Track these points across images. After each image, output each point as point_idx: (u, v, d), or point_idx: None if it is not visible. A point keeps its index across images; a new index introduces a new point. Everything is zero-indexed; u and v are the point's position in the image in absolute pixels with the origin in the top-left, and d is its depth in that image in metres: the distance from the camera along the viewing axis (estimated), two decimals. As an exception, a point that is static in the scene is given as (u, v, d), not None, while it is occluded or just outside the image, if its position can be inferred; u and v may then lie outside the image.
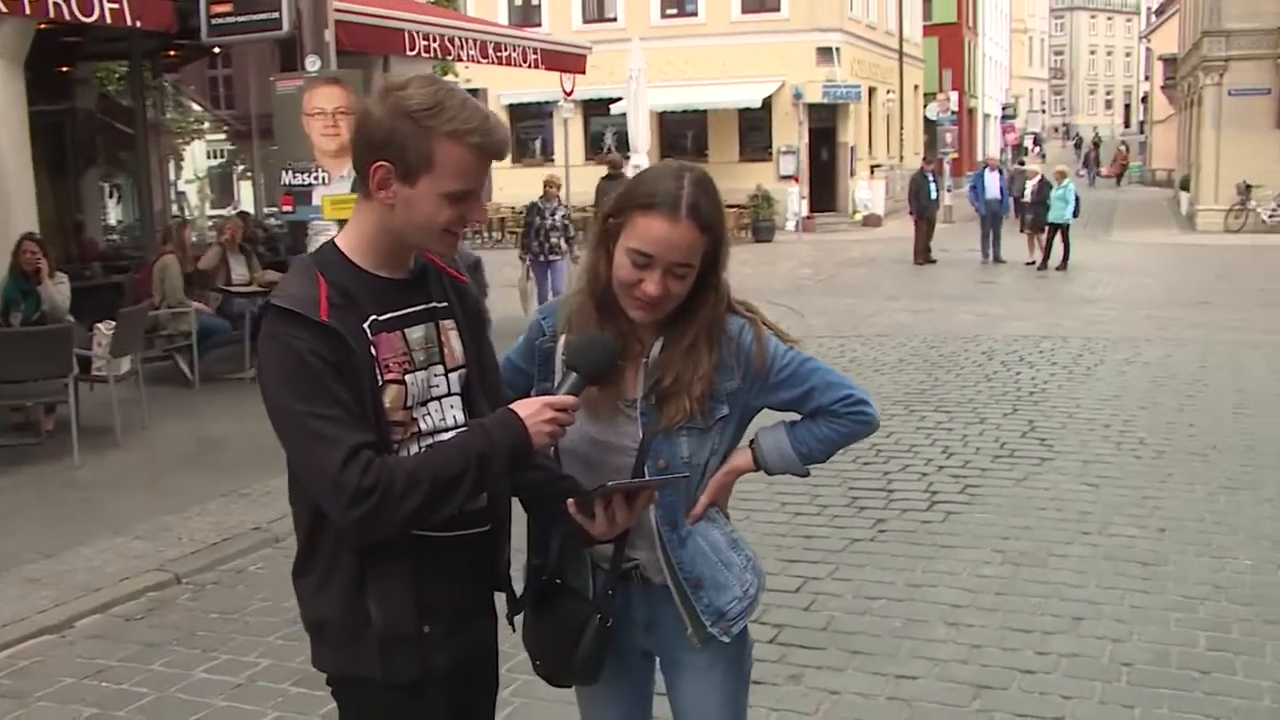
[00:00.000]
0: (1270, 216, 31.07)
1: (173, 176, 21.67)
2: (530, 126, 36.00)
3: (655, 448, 2.46)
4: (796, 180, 32.67)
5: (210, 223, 20.79)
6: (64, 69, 15.73)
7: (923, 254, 24.46)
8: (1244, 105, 31.66)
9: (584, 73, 17.19)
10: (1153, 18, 63.60)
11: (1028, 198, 24.16)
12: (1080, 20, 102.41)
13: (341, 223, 2.45)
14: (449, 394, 2.40)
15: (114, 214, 19.75)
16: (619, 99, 29.03)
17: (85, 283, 12.72)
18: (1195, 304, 17.81)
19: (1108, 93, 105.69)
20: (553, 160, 29.03)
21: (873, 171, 36.82)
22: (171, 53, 15.43)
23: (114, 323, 9.43)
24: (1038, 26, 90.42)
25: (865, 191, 35.43)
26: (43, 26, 10.07)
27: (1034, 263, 23.33)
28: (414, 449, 2.29)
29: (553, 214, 15.73)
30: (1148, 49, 61.46)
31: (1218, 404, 10.63)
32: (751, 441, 2.60)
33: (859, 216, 34.79)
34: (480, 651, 2.48)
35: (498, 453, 2.23)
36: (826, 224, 33.68)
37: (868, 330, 15.54)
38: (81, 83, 16.63)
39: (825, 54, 33.45)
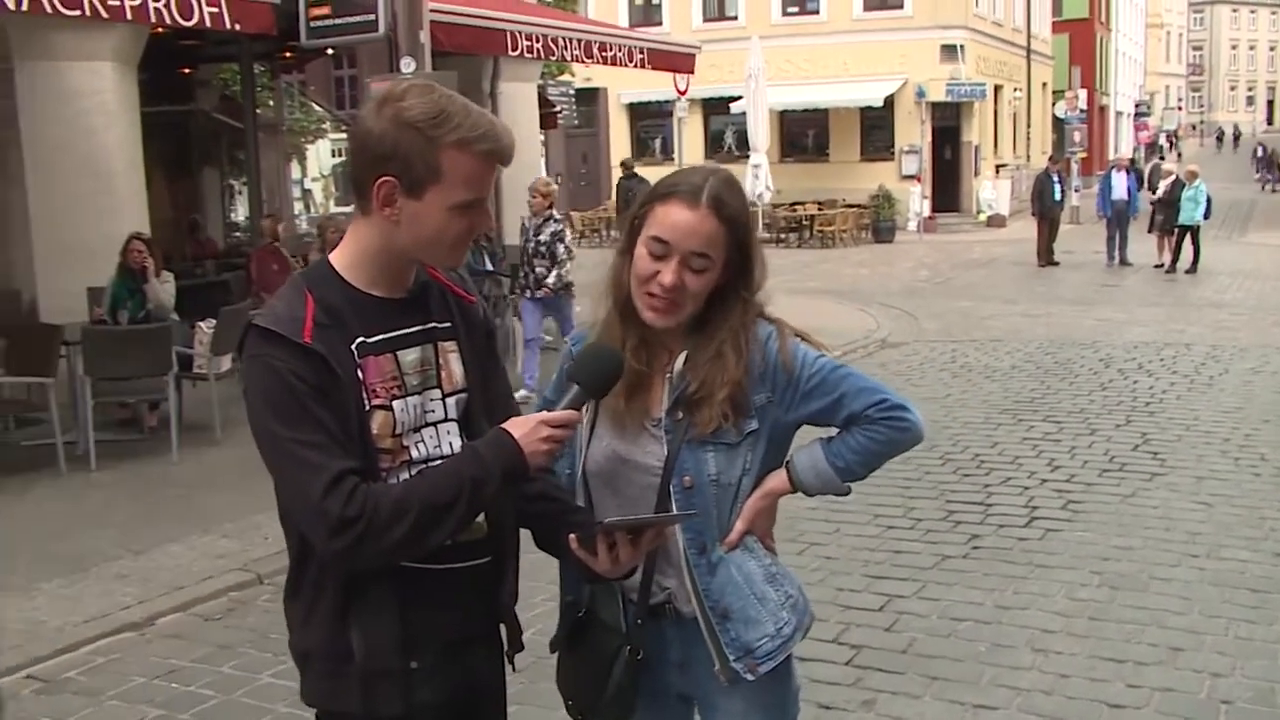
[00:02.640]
0: None
1: (297, 175, 22.11)
2: (650, 126, 35.98)
3: (681, 464, 2.36)
4: (919, 180, 32.05)
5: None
6: (186, 71, 16.13)
7: (1046, 256, 23.82)
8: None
9: (693, 72, 17.06)
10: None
11: (1158, 196, 23.28)
12: (1221, 14, 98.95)
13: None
14: (445, 419, 2.29)
15: (239, 212, 20.23)
16: (739, 98, 28.93)
17: (197, 280, 12.99)
18: None
19: (1249, 88, 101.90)
20: (672, 159, 28.98)
21: (998, 171, 35.96)
22: (287, 54, 15.70)
23: (215, 321, 9.57)
24: (1175, 21, 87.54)
25: (989, 191, 34.61)
26: (159, 31, 10.26)
27: (1162, 265, 22.55)
28: (404, 477, 2.18)
29: (537, 233, 10.53)
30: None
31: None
32: (787, 461, 2.48)
33: (983, 217, 34.03)
34: (479, 683, 2.36)
35: (491, 476, 2.12)
36: (949, 224, 32.99)
37: (981, 335, 15.13)
38: (202, 84, 17.07)
39: (949, 51, 32.78)
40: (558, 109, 21.33)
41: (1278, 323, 15.68)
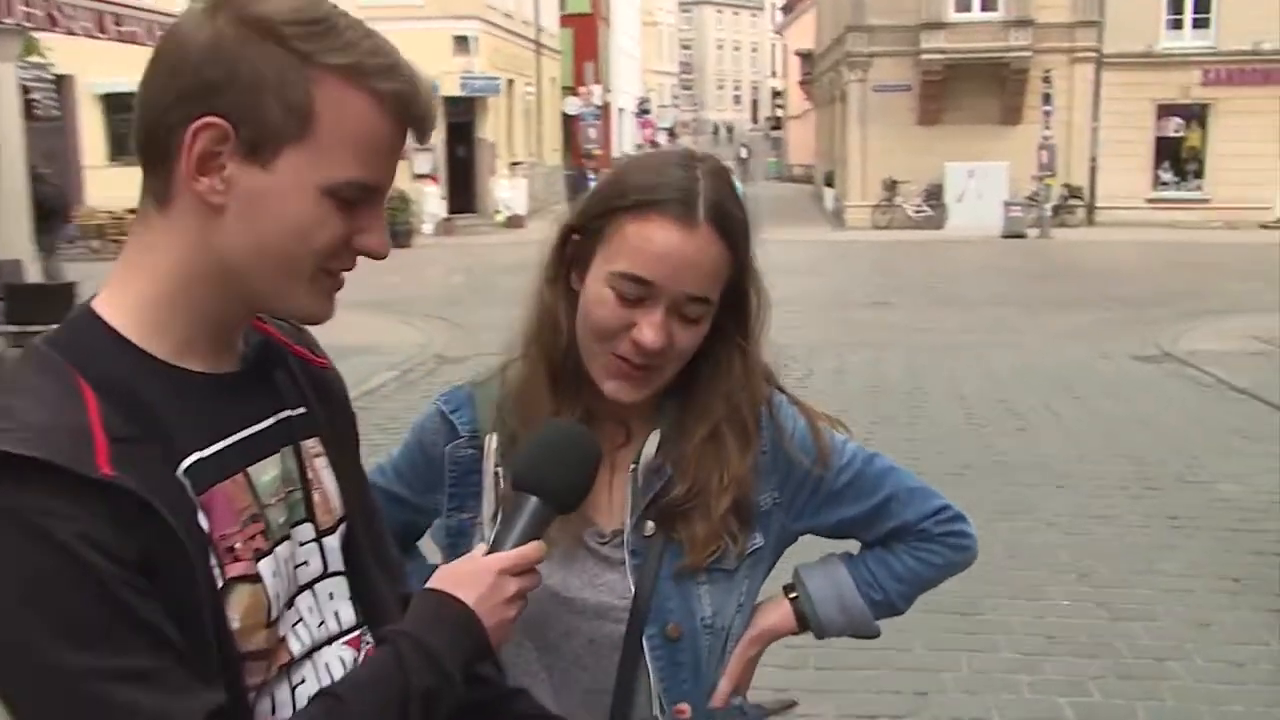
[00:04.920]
0: (916, 212, 32.97)
1: None
2: (129, 120, 33.08)
3: (661, 605, 1.77)
4: (434, 179, 31.87)
5: None
6: None
7: (585, 257, 24.12)
8: (887, 102, 33.58)
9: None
10: (777, 14, 66.76)
11: None
12: (707, 14, 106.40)
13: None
14: (326, 574, 1.44)
15: None
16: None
17: None
18: (875, 304, 18.42)
19: (735, 88, 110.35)
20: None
21: (513, 169, 36.41)
22: None
23: None
24: (667, 19, 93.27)
25: (506, 191, 34.97)
26: None
27: None
28: (287, 697, 1.32)
29: None
30: (784, 45, 64.45)
31: (949, 415, 10.72)
32: (789, 589, 1.95)
33: (501, 218, 34.24)
34: None
35: (449, 681, 1.34)
36: (468, 226, 32.98)
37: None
38: None
39: (461, 43, 32.80)
40: (34, 96, 18.70)
41: (838, 320, 16.60)
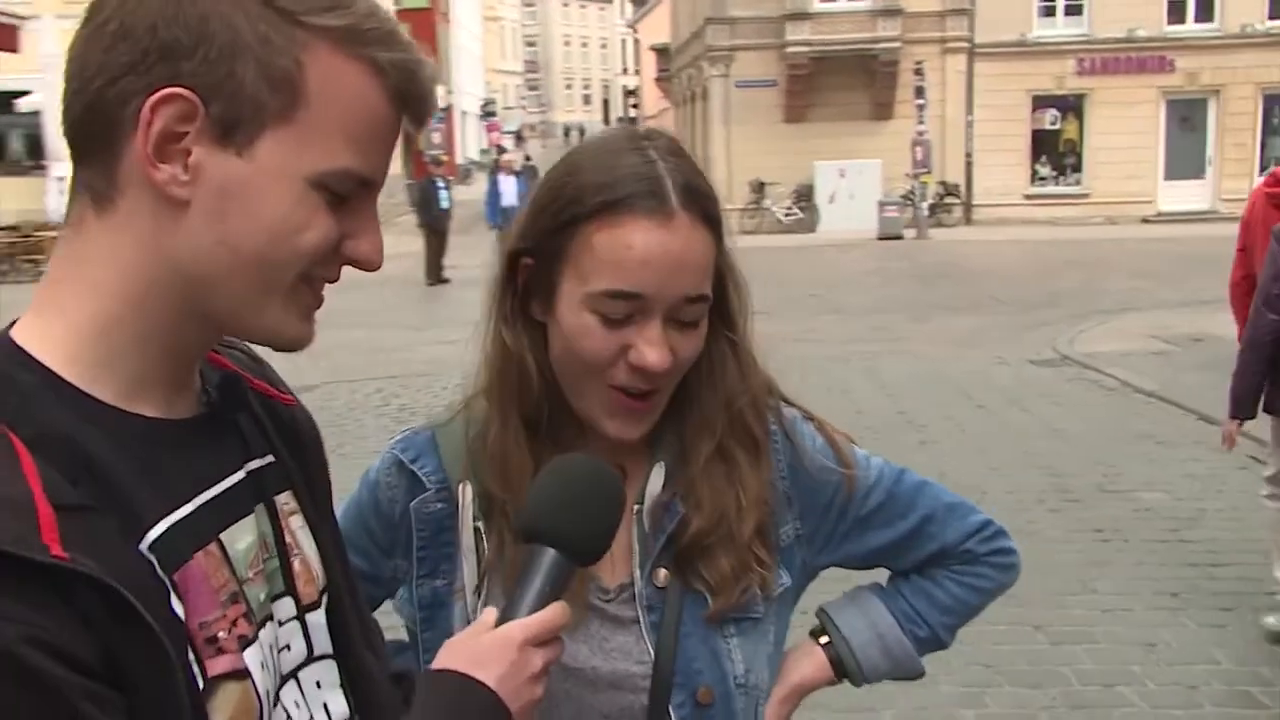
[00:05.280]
0: (786, 215, 33.35)
1: None
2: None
3: (688, 666, 1.65)
4: None
5: None
6: None
7: (435, 273, 23.97)
8: (752, 98, 33.90)
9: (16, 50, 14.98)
10: (628, 7, 67.12)
11: None
12: (553, 8, 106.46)
13: None
14: (312, 658, 1.29)
15: None
16: (27, 92, 26.30)
17: None
18: (755, 313, 18.15)
19: (585, 86, 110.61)
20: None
21: (352, 178, 35.83)
22: None
23: None
24: (510, 15, 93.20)
25: (346, 202, 34.41)
26: None
27: None
28: None
29: None
30: (636, 39, 64.75)
31: (846, 430, 10.51)
32: (819, 634, 1.87)
33: (342, 231, 33.72)
34: None
35: None
36: None
37: (402, 369, 14.69)
38: None
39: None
40: None
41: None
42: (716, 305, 1.65)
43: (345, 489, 1.76)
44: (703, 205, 1.59)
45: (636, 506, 1.68)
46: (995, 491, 8.53)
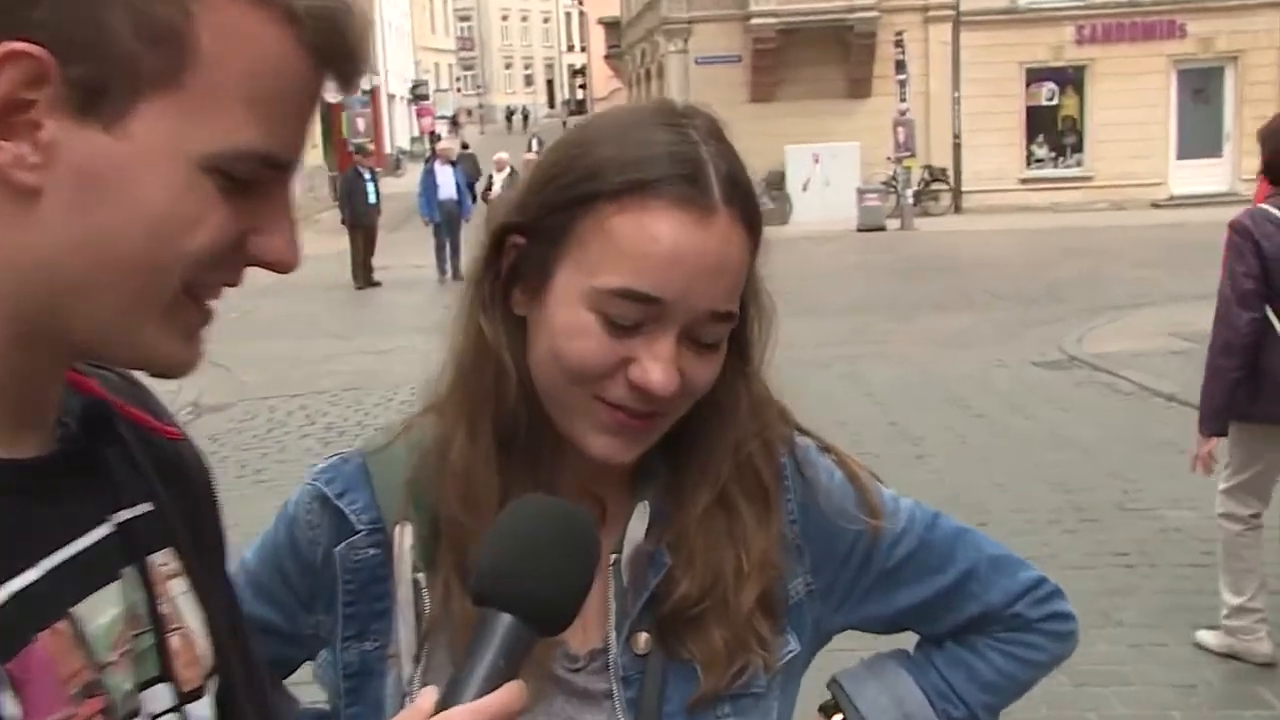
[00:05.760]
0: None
1: None
2: None
3: None
4: None
5: None
6: None
7: (364, 275, 24.12)
8: (713, 76, 33.92)
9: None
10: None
11: (496, 190, 24.43)
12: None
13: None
14: None
15: None
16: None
17: None
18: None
19: (526, 66, 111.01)
20: None
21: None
22: None
23: None
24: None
25: (260, 197, 34.37)
26: None
27: None
28: None
29: None
30: (582, 12, 64.82)
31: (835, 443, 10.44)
32: (832, 711, 1.77)
33: (256, 230, 33.66)
34: None
35: None
36: None
37: (331, 383, 14.66)
38: None
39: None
40: None
41: None
42: (735, 333, 1.55)
43: (264, 523, 1.70)
44: (747, 205, 1.48)
45: (614, 555, 1.57)
46: (1002, 510, 8.52)
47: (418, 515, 1.57)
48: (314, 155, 43.78)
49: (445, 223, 24.33)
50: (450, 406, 1.58)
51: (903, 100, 31.69)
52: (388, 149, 54.78)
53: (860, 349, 15.17)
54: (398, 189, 38.83)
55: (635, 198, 1.42)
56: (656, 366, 1.43)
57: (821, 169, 33.01)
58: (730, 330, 1.51)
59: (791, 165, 33.34)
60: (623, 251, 1.42)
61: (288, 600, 1.67)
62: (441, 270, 24.28)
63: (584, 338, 1.44)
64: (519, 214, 1.51)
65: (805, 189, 33.21)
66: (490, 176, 25.54)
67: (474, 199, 26.41)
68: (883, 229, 30.09)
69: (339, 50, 1.04)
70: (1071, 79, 34.45)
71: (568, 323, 1.45)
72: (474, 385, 1.55)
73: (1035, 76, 34.34)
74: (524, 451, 1.56)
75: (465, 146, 39.54)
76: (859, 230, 30.11)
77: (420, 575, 1.55)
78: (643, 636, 1.55)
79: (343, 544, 1.60)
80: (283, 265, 1.07)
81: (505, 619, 1.21)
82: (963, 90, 33.80)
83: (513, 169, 24.40)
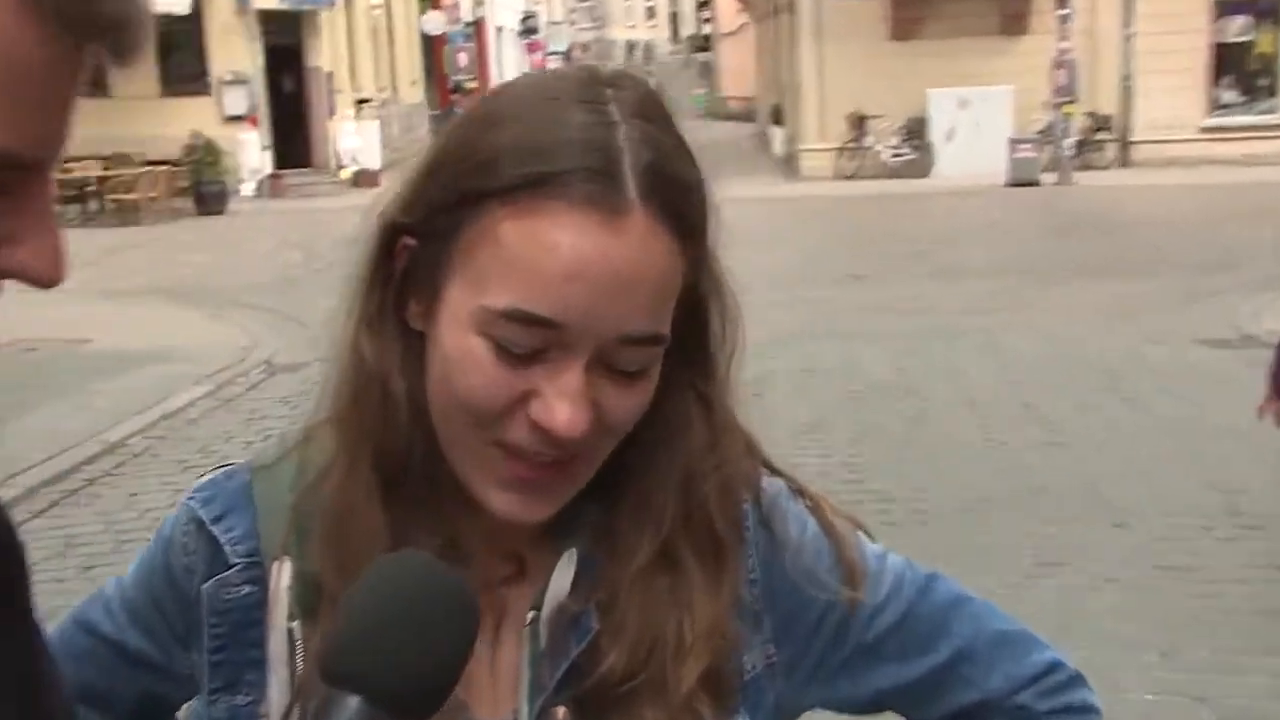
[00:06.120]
0: (893, 155, 33.10)
1: None
2: None
3: None
4: (253, 122, 32.02)
5: None
6: None
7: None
8: (851, 11, 33.55)
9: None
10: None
11: None
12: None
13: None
14: None
15: None
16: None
17: None
18: (846, 279, 18.50)
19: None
20: None
21: (359, 109, 36.45)
22: None
23: None
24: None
25: (353, 138, 35.03)
26: None
27: None
28: None
29: None
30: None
31: (956, 426, 10.60)
32: None
33: (346, 174, 34.31)
34: None
35: None
36: (302, 185, 33.17)
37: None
38: None
39: (282, -60, 32.95)
40: None
41: (795, 300, 16.48)
42: (688, 343, 1.46)
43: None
44: (673, 199, 1.36)
45: (533, 613, 1.49)
46: (1146, 512, 8.29)
47: (300, 550, 1.49)
48: (414, 92, 44.36)
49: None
50: (332, 431, 1.51)
51: (1064, 39, 31.07)
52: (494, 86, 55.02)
53: (999, 317, 14.98)
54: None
55: (530, 197, 1.32)
56: (561, 404, 1.34)
57: (969, 115, 32.55)
58: (660, 354, 1.40)
59: (935, 111, 33.00)
60: (513, 264, 1.33)
61: (163, 633, 1.62)
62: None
63: (473, 370, 1.36)
64: (405, 211, 1.42)
65: (949, 138, 32.83)
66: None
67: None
68: (1036, 184, 29.58)
69: (97, 15, 0.96)
70: (1268, 12, 33.39)
71: (455, 350, 1.37)
72: (356, 412, 1.48)
73: (1225, 9, 33.28)
74: (421, 492, 1.49)
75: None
76: (1009, 185, 29.64)
77: (295, 625, 1.48)
78: (560, 711, 1.48)
79: (213, 580, 1.53)
80: (43, 279, 1.02)
81: (353, 703, 1.21)
82: (1135, 26, 32.95)
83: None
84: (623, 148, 1.34)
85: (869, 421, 10.69)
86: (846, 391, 11.88)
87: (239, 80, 32.22)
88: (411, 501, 1.50)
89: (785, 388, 11.77)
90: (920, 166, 32.69)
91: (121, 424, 11.12)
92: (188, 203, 30.01)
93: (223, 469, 1.64)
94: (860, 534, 1.63)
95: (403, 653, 1.24)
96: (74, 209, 28.55)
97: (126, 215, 28.28)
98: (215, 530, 1.56)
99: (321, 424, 1.56)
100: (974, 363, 12.74)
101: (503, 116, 1.40)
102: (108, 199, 28.65)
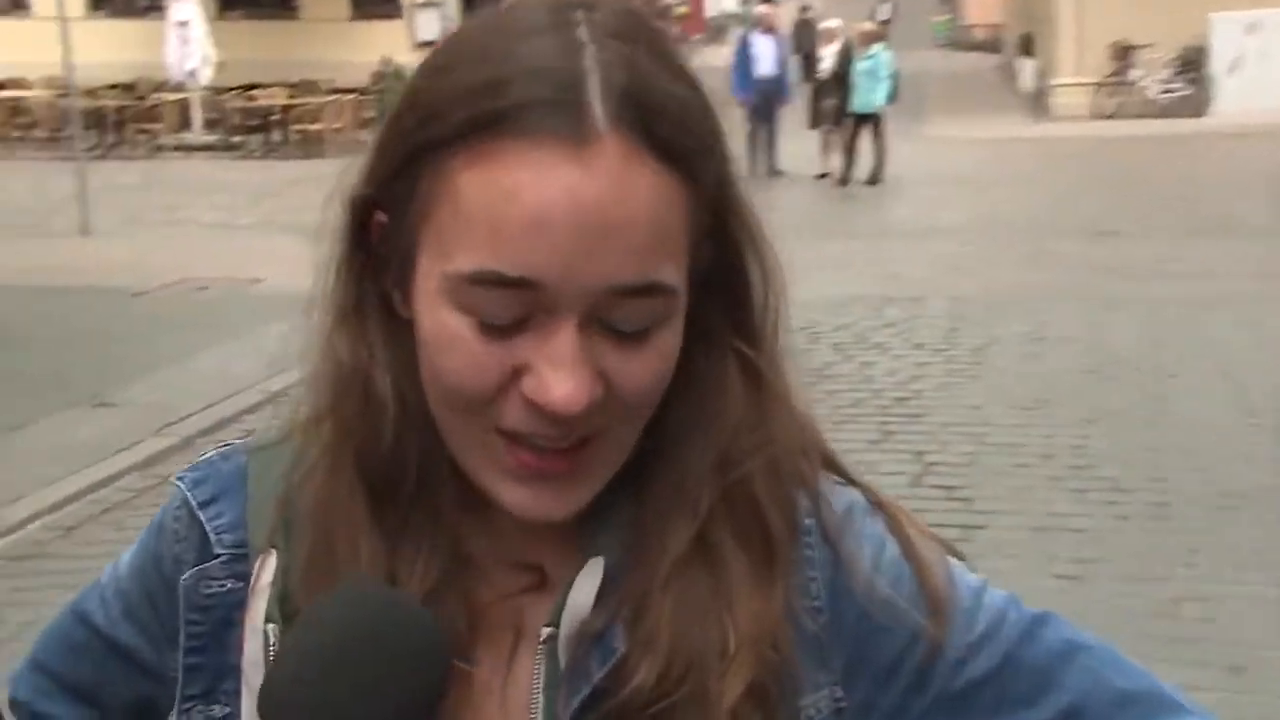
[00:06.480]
0: (1163, 91, 32.31)
1: None
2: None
3: None
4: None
5: None
6: None
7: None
8: (1118, -76, 32.61)
9: None
10: None
11: (825, 68, 24.49)
12: None
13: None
14: None
15: None
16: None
17: None
18: (1096, 233, 18.12)
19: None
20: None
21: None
22: None
23: None
24: None
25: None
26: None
27: (828, 174, 23.69)
28: None
29: None
30: None
31: (1211, 410, 10.31)
32: None
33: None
34: None
35: None
36: None
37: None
38: None
39: None
40: None
41: (1034, 256, 16.30)
42: (723, 296, 1.42)
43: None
44: (656, 122, 1.29)
45: (548, 630, 1.45)
46: None
47: (289, 545, 1.48)
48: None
49: (761, 105, 24.19)
50: (315, 431, 1.50)
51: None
52: (709, 13, 55.12)
53: (1272, 285, 14.40)
54: (716, 62, 39.19)
55: (482, 140, 1.27)
56: (555, 375, 1.28)
57: (1258, 42, 31.63)
58: (671, 306, 1.33)
59: (1218, 39, 32.08)
60: (473, 220, 1.28)
61: (154, 628, 1.61)
62: (753, 161, 23.96)
63: (454, 348, 1.32)
64: (367, 181, 1.38)
65: (1233, 70, 31.84)
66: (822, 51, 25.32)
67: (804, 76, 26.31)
68: (1338, 124, 28.58)
69: None
70: None
71: (432, 329, 1.34)
72: (335, 415, 1.48)
73: None
74: (417, 497, 1.46)
75: (805, 8, 39.48)
76: (1302, 126, 28.67)
77: (272, 627, 1.45)
78: None
79: (192, 572, 1.53)
80: None
81: None
82: None
83: (847, 42, 24.13)
84: (588, 69, 1.28)
85: (1105, 399, 10.46)
86: (1081, 364, 11.62)
87: (432, 3, 32.92)
88: (406, 507, 1.47)
89: (1010, 356, 11.69)
90: (1195, 104, 31.80)
91: (286, 372, 11.21)
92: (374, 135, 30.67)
93: (220, 448, 1.64)
94: (953, 561, 1.52)
95: (349, 707, 1.25)
96: (257, 139, 29.75)
97: (310, 147, 29.05)
98: (202, 516, 1.56)
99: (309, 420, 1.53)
100: (1239, 338, 12.40)
101: (458, 55, 1.34)
102: (292, 129, 29.49)
